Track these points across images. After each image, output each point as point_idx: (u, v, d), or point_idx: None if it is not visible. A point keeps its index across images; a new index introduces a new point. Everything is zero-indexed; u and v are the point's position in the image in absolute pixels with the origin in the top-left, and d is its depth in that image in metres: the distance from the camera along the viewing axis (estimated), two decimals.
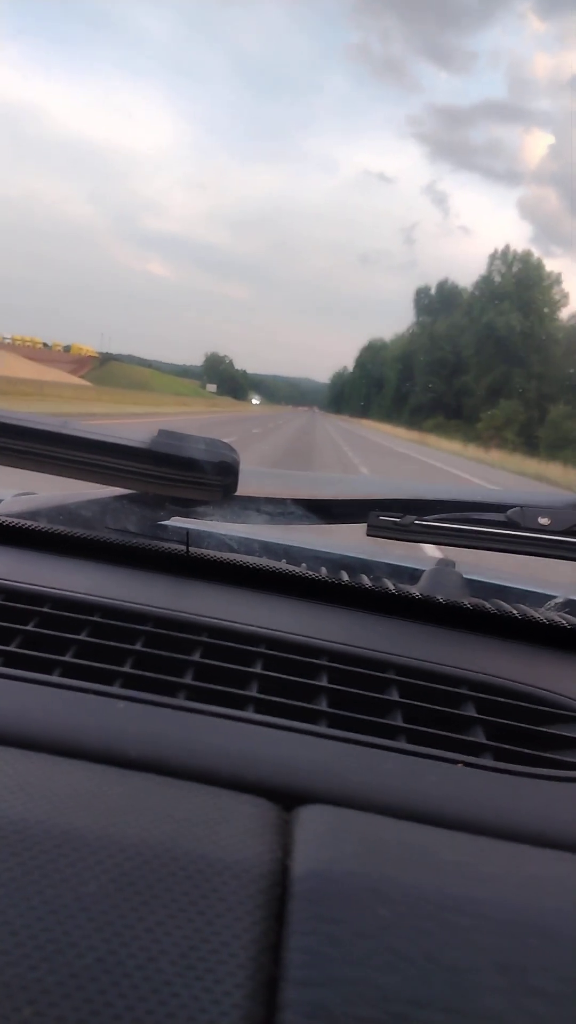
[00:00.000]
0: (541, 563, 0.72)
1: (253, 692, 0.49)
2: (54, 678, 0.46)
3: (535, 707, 0.52)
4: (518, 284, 46.00)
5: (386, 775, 0.42)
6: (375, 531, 0.72)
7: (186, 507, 0.75)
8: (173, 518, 0.78)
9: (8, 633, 0.52)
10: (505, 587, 0.84)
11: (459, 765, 0.44)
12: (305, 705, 0.48)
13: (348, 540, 0.94)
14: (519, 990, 0.27)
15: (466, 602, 0.65)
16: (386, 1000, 0.26)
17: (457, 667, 0.56)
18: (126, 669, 0.49)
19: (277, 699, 0.48)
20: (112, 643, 0.52)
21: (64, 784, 0.36)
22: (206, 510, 0.75)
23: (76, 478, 0.67)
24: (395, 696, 0.51)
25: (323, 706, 0.49)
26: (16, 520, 0.71)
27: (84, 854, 0.31)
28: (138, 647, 0.52)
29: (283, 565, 0.70)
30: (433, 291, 58.23)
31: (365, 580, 0.69)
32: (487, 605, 0.65)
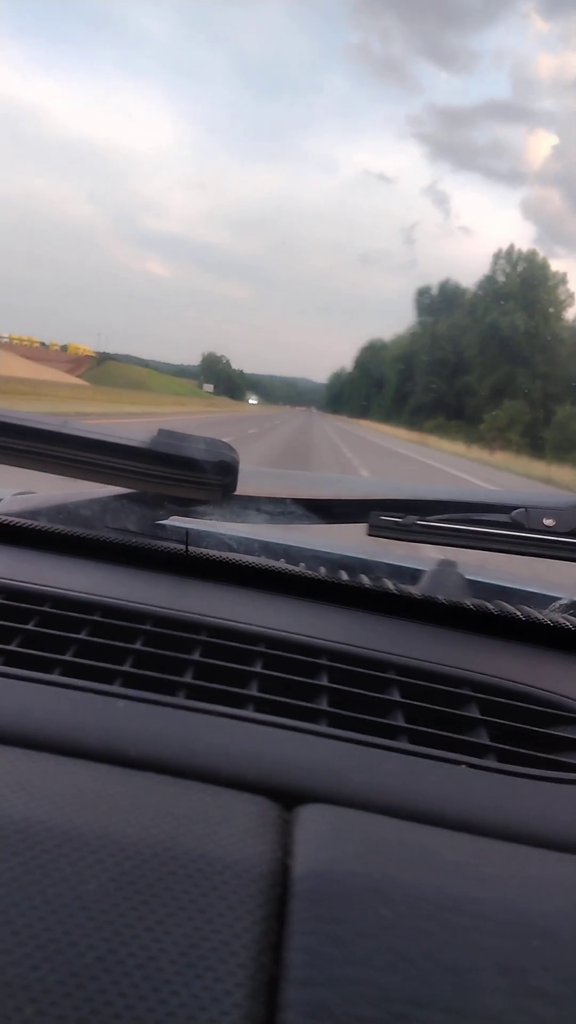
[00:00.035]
0: (545, 564, 0.72)
1: (253, 691, 0.49)
2: (54, 677, 0.47)
3: (538, 708, 0.52)
4: (523, 284, 45.19)
5: (387, 775, 0.42)
6: (376, 531, 0.72)
7: (185, 506, 0.75)
8: (172, 517, 0.78)
9: (8, 632, 0.52)
10: (508, 588, 0.84)
11: (462, 766, 0.44)
12: (306, 704, 0.48)
13: (348, 540, 0.92)
14: (520, 991, 0.27)
15: (468, 602, 0.66)
16: (387, 1000, 0.26)
17: (459, 668, 0.56)
18: (126, 668, 0.49)
19: (277, 698, 0.48)
20: (112, 642, 0.53)
21: (65, 783, 0.36)
22: (206, 509, 0.75)
23: (76, 477, 0.68)
24: (396, 696, 0.51)
25: (324, 705, 0.49)
26: (16, 519, 0.72)
27: (84, 853, 0.31)
28: (138, 646, 0.53)
29: (283, 565, 0.70)
30: (435, 291, 57.35)
31: (365, 580, 0.69)
32: (489, 606, 0.66)
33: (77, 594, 0.58)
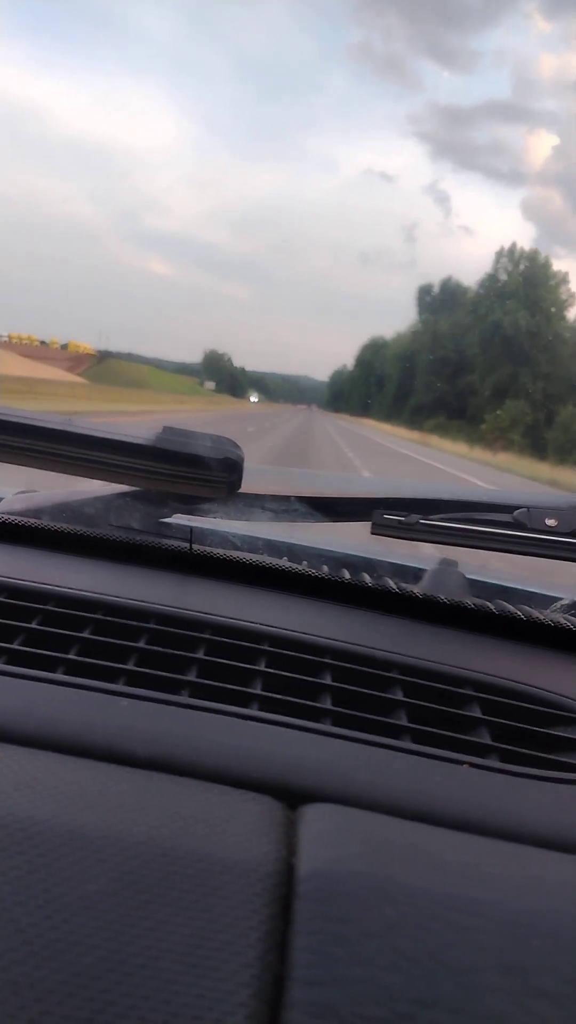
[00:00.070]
0: (547, 564, 0.73)
1: (257, 690, 0.49)
2: (58, 676, 0.47)
3: (540, 709, 0.53)
4: (525, 282, 44.47)
5: (391, 774, 0.42)
6: (379, 530, 0.73)
7: (190, 504, 0.75)
8: (176, 515, 0.78)
9: (11, 631, 0.52)
10: (509, 588, 0.85)
11: (465, 766, 0.44)
12: (309, 703, 0.49)
13: (352, 538, 0.94)
14: (523, 991, 0.27)
15: (470, 602, 0.66)
16: (392, 1000, 0.26)
17: (461, 667, 0.56)
18: (130, 667, 0.49)
19: (281, 697, 0.48)
20: (116, 640, 0.53)
21: (69, 782, 0.36)
22: (210, 507, 0.76)
23: (79, 475, 0.68)
24: (399, 695, 0.52)
25: (327, 704, 0.49)
26: (19, 518, 0.72)
27: (89, 852, 0.31)
28: (142, 644, 0.53)
29: (287, 563, 0.71)
30: (436, 289, 56.70)
31: (368, 579, 0.70)
32: (490, 606, 0.66)
33: (80, 592, 0.58)
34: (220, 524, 0.84)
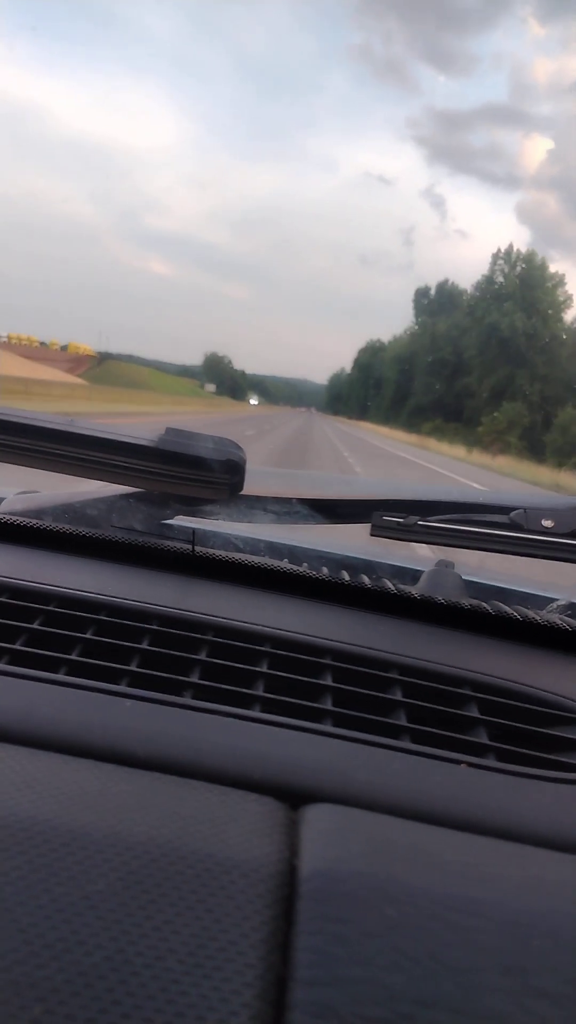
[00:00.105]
0: (543, 565, 0.73)
1: (259, 691, 0.49)
2: (60, 676, 0.47)
3: (537, 708, 0.53)
4: (522, 284, 44.50)
5: (391, 775, 0.42)
6: (379, 531, 0.73)
7: (192, 506, 0.75)
8: (178, 517, 0.78)
9: (14, 631, 0.52)
10: (506, 589, 0.84)
11: (463, 765, 0.44)
12: (310, 704, 0.48)
13: (351, 540, 0.94)
14: (523, 991, 0.27)
15: (467, 603, 0.66)
16: (393, 1000, 0.26)
17: (459, 668, 0.56)
18: (132, 668, 0.49)
19: (283, 698, 0.48)
20: (118, 642, 0.53)
21: (71, 782, 0.36)
22: (212, 509, 0.76)
23: (82, 476, 0.68)
24: (399, 696, 0.52)
25: (328, 705, 0.49)
26: (20, 518, 0.71)
27: (91, 852, 0.31)
28: (144, 646, 0.53)
29: (288, 565, 0.71)
30: (433, 292, 56.61)
31: (367, 580, 0.70)
32: (487, 607, 0.66)
33: (83, 593, 0.58)
34: (222, 526, 0.83)
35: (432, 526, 0.71)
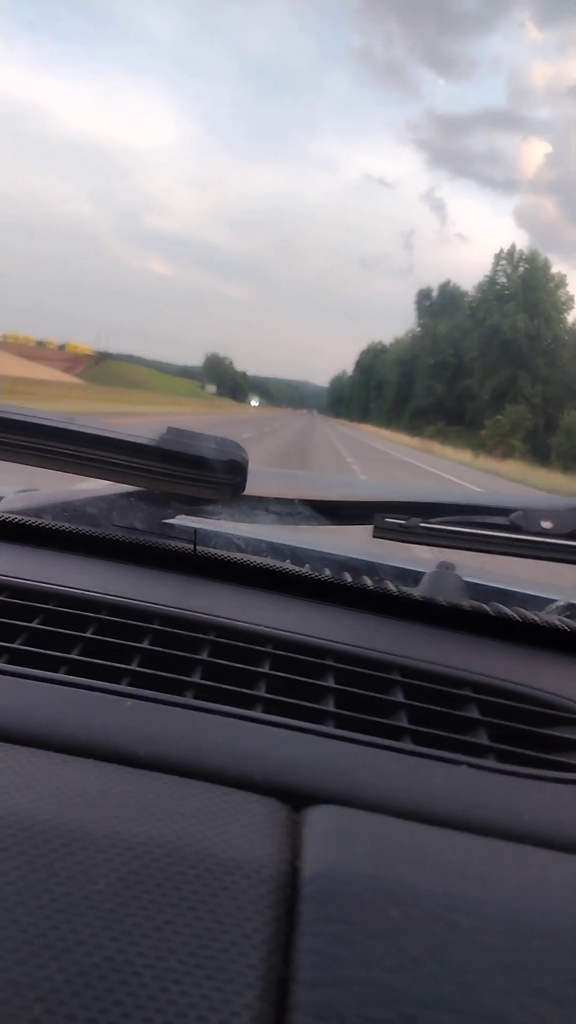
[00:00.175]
0: (543, 566, 0.73)
1: (261, 692, 0.49)
2: (61, 676, 0.47)
3: (537, 709, 0.53)
4: (524, 285, 44.51)
5: (393, 776, 0.42)
6: (381, 533, 0.73)
7: (193, 505, 0.75)
8: (180, 517, 0.78)
9: (13, 630, 0.52)
10: (507, 590, 0.85)
11: (463, 766, 0.45)
12: (312, 705, 0.49)
13: (354, 541, 0.94)
14: (525, 991, 0.28)
15: (467, 605, 0.67)
16: (396, 1001, 0.26)
17: (460, 669, 0.56)
18: (133, 667, 0.49)
19: (285, 699, 0.49)
20: (119, 641, 0.53)
21: (72, 782, 0.36)
22: (214, 509, 0.76)
23: (83, 475, 0.68)
24: (400, 697, 0.52)
25: (330, 706, 0.49)
26: (21, 517, 0.71)
27: (92, 852, 0.31)
28: (145, 645, 0.53)
29: (290, 566, 0.71)
30: (435, 293, 56.69)
31: (368, 582, 0.70)
32: (487, 608, 0.67)
33: (83, 592, 0.58)
34: (224, 526, 0.83)
35: (434, 528, 0.71)
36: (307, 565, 0.74)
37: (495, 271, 47.15)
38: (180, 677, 0.49)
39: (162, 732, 0.42)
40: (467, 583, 0.79)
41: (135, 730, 0.42)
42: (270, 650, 0.55)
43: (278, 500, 0.75)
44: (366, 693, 0.51)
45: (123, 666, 0.49)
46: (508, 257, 47.49)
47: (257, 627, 0.57)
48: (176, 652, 0.52)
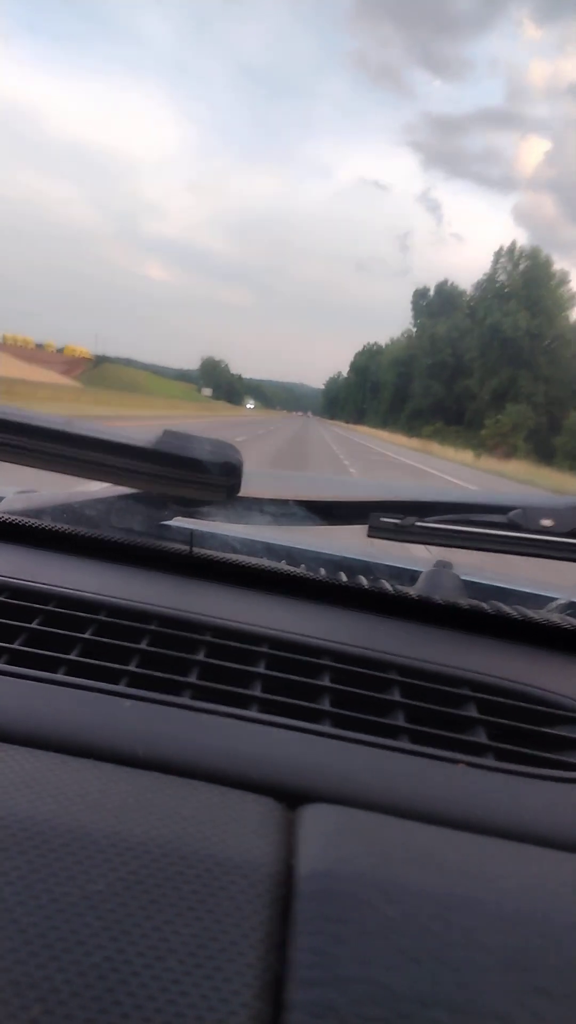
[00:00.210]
0: (542, 565, 0.73)
1: (257, 692, 0.50)
2: (59, 676, 0.47)
3: (536, 708, 0.53)
4: (525, 282, 44.39)
5: (390, 775, 0.42)
6: (376, 532, 0.73)
7: (190, 507, 0.76)
8: (176, 518, 0.79)
9: (13, 631, 0.53)
10: (505, 589, 0.85)
11: (460, 765, 0.45)
12: (308, 705, 0.49)
13: (349, 542, 0.95)
14: (524, 990, 0.28)
15: (465, 603, 0.67)
16: (393, 999, 0.27)
17: (458, 668, 0.56)
18: (131, 668, 0.50)
19: (281, 699, 0.49)
20: (118, 642, 0.53)
21: (70, 782, 0.36)
22: (210, 510, 0.77)
23: (80, 476, 0.68)
24: (397, 696, 0.52)
25: (326, 706, 0.49)
26: (20, 518, 0.72)
27: (91, 852, 0.31)
28: (143, 646, 0.53)
29: (285, 566, 0.71)
30: (432, 293, 56.65)
31: (364, 581, 0.70)
32: (486, 607, 0.67)
33: (82, 593, 0.59)
34: (220, 527, 0.84)
35: (430, 527, 0.71)
36: (303, 565, 0.75)
37: (495, 269, 47.08)
38: (177, 678, 0.49)
39: (160, 732, 0.42)
40: (465, 582, 0.80)
41: (133, 730, 0.42)
42: (266, 650, 0.55)
43: (273, 501, 0.76)
44: (363, 692, 0.52)
45: (121, 667, 0.50)
46: (509, 254, 47.40)
47: (253, 627, 0.57)
48: (173, 653, 0.53)
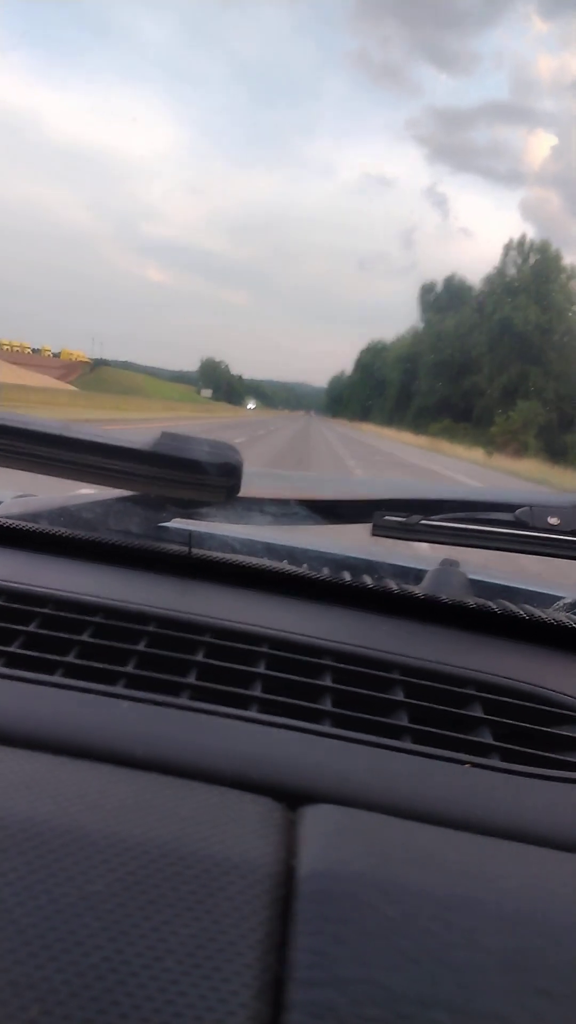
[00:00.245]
0: (550, 563, 0.74)
1: (257, 692, 0.50)
2: (57, 678, 0.48)
3: (542, 708, 0.53)
4: (535, 276, 44.25)
5: (391, 775, 0.43)
6: (380, 531, 0.73)
7: (189, 508, 0.77)
8: (175, 520, 0.80)
9: (10, 634, 0.53)
10: (511, 587, 0.85)
11: (467, 766, 0.45)
12: (309, 705, 0.49)
13: (352, 541, 0.95)
14: (524, 991, 0.28)
15: (471, 602, 0.67)
16: (393, 1000, 0.27)
17: (463, 667, 0.57)
18: (129, 669, 0.50)
19: (281, 699, 0.49)
20: (115, 644, 0.54)
21: (69, 783, 0.37)
22: (209, 511, 0.77)
23: (79, 480, 0.69)
24: (400, 696, 0.52)
25: (327, 706, 0.50)
26: (18, 521, 0.73)
27: (90, 853, 0.32)
28: (141, 647, 0.54)
29: (286, 566, 0.72)
30: (440, 287, 56.58)
31: (368, 580, 0.70)
32: (492, 605, 0.67)
33: (79, 596, 0.59)
34: (219, 528, 0.85)
35: (435, 525, 0.71)
36: (304, 565, 0.75)
37: (504, 263, 47.07)
38: (176, 679, 0.50)
39: (159, 733, 0.43)
40: (471, 580, 0.80)
41: (132, 731, 0.43)
42: (266, 650, 0.55)
43: (274, 501, 0.76)
44: (365, 692, 0.52)
45: (119, 668, 0.50)
46: (518, 248, 47.37)
47: (252, 627, 0.58)
48: (172, 654, 0.53)
